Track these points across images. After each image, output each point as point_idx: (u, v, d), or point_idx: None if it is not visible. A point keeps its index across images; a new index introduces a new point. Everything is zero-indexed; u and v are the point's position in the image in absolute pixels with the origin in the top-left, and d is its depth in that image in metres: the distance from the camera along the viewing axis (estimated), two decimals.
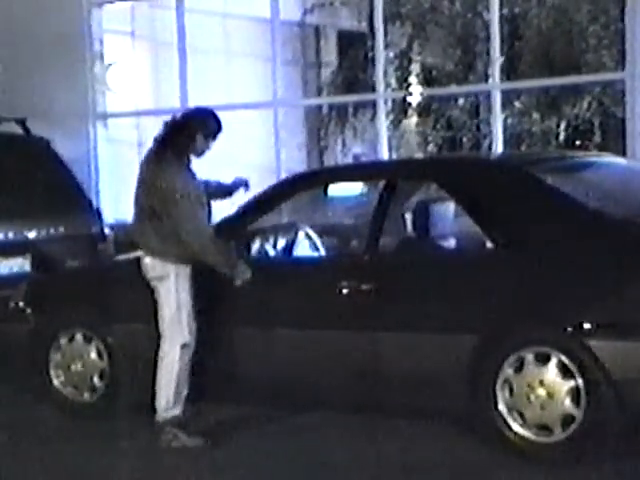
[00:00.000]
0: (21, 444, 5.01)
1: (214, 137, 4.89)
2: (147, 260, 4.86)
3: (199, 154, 4.91)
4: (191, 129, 4.82)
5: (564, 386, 4.24)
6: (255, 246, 5.41)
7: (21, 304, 5.80)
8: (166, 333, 4.79)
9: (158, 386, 4.81)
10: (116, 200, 9.35)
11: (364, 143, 12.41)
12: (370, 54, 10.21)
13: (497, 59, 8.29)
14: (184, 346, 4.78)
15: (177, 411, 4.79)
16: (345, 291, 4.77)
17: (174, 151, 4.80)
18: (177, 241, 4.75)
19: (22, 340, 5.68)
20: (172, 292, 4.78)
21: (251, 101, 10.29)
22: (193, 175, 4.87)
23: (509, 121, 10.69)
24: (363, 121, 12.25)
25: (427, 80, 11.48)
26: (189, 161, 4.88)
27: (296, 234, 5.55)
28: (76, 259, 6.80)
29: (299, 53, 12.80)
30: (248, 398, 5.24)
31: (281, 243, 5.51)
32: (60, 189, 7.08)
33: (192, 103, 9.48)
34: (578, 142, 11.20)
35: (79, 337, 5.42)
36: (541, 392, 4.28)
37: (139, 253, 5.57)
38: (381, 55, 8.84)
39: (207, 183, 5.03)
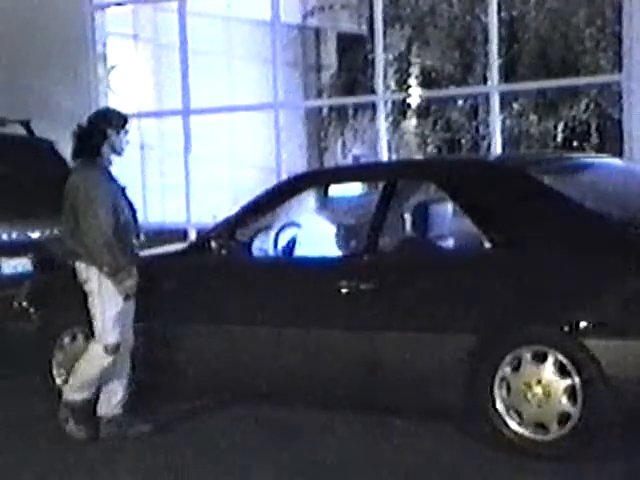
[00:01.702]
0: (22, 443, 5.05)
1: (125, 131, 5.00)
2: (76, 264, 4.96)
3: (119, 151, 5.01)
4: (100, 128, 4.94)
5: (561, 384, 4.29)
6: (256, 246, 5.46)
7: (24, 304, 5.84)
8: (95, 333, 4.91)
9: (72, 370, 5.00)
10: None
11: (364, 144, 12.43)
12: (370, 56, 10.22)
13: (495, 61, 8.34)
14: (108, 347, 4.86)
15: (79, 397, 4.96)
16: (345, 291, 4.82)
17: (88, 155, 4.94)
18: None
19: (25, 339, 5.72)
20: (96, 295, 4.88)
21: (252, 103, 10.32)
22: (110, 177, 4.95)
23: (507, 123, 10.71)
24: (363, 122, 12.26)
25: (426, 82, 11.47)
26: (109, 163, 4.97)
27: (296, 234, 5.59)
28: None
29: (300, 55, 12.82)
30: (248, 397, 5.28)
31: (281, 243, 5.55)
32: (63, 190, 7.11)
33: (194, 105, 9.54)
34: (575, 143, 11.22)
35: (81, 337, 5.45)
36: (538, 390, 4.33)
37: (140, 253, 5.62)
38: (380, 57, 8.87)
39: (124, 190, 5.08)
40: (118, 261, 4.81)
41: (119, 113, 5.11)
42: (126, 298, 4.87)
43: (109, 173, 4.96)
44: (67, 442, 4.97)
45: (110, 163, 5.01)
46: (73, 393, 5.00)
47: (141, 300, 5.23)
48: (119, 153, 5.03)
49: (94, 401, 5.08)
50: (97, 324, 4.90)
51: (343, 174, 6.06)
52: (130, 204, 5.04)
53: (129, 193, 5.08)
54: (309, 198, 5.47)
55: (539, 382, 4.33)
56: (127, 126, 5.02)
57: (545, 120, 11.19)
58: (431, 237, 5.10)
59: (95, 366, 4.93)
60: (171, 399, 5.46)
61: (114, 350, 4.88)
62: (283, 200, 5.36)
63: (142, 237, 5.11)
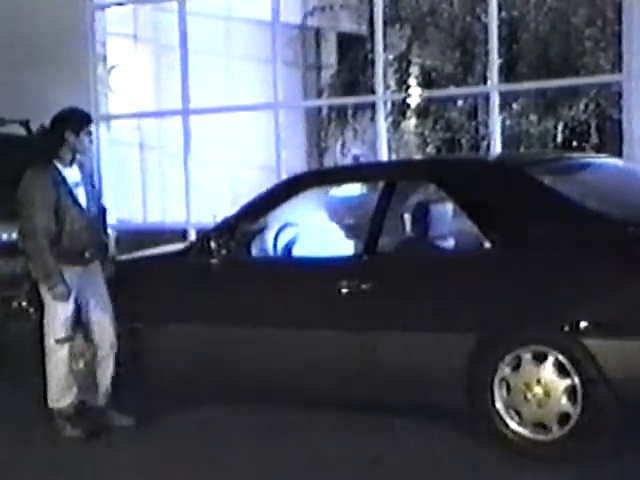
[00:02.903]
0: (21, 443, 5.06)
1: (87, 132, 4.99)
2: (28, 261, 5.05)
3: (81, 152, 5.01)
4: (59, 130, 4.95)
5: (561, 384, 4.29)
6: (256, 246, 5.47)
7: (24, 304, 5.84)
8: (45, 329, 4.99)
9: (47, 378, 5.05)
10: (118, 201, 9.40)
11: (364, 144, 12.44)
12: (370, 56, 10.24)
13: (495, 61, 8.35)
14: (60, 341, 4.94)
15: (63, 404, 5.02)
16: (345, 291, 4.82)
17: (40, 156, 4.99)
18: None
19: (25, 339, 5.73)
20: (45, 295, 4.95)
21: (252, 103, 10.33)
22: (62, 181, 4.94)
23: (507, 122, 10.72)
24: (363, 122, 12.27)
25: (426, 82, 11.49)
26: (69, 163, 4.97)
27: (296, 234, 5.60)
28: None
29: (299, 55, 12.85)
30: (249, 397, 5.28)
31: (281, 243, 5.55)
32: None
33: (194, 105, 9.54)
34: (575, 143, 11.24)
35: (80, 336, 5.46)
36: (538, 390, 4.33)
37: (140, 253, 5.63)
38: (380, 57, 8.88)
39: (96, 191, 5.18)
40: (48, 267, 4.86)
41: (81, 115, 5.11)
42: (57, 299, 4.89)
43: (60, 175, 4.95)
44: (66, 442, 4.99)
45: (72, 162, 5.00)
46: (57, 402, 5.05)
47: (140, 300, 5.25)
48: (82, 154, 5.04)
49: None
50: (46, 321, 4.99)
51: (343, 174, 6.06)
52: (99, 205, 5.11)
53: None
54: (309, 198, 5.47)
55: (539, 382, 4.34)
56: (90, 127, 5.02)
57: (545, 120, 11.21)
58: (431, 237, 5.10)
59: (57, 363, 4.98)
60: (169, 400, 5.46)
61: (66, 340, 4.96)
62: (283, 200, 5.36)
63: (109, 237, 5.15)
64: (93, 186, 5.18)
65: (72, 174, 5.01)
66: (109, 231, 5.19)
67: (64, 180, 4.94)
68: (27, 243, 4.93)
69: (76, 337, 5.06)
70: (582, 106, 11.03)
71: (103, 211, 5.14)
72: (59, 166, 4.96)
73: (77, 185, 5.01)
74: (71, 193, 4.95)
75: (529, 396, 4.36)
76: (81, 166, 5.09)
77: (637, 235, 4.41)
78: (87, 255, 5.00)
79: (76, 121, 4.99)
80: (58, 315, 4.96)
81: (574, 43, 10.86)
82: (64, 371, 5.01)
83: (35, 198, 4.87)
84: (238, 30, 11.82)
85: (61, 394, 5.04)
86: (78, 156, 5.01)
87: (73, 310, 4.98)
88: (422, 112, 11.69)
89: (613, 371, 4.20)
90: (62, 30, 9.51)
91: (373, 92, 9.23)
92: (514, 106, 11.05)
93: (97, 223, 5.10)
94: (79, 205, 4.97)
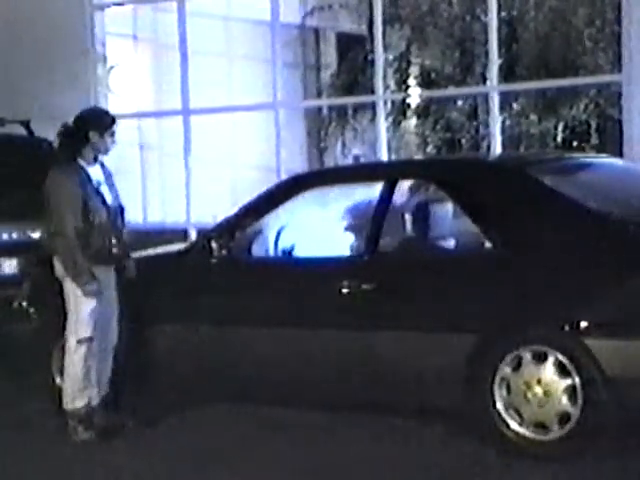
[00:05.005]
0: (22, 443, 5.06)
1: (111, 133, 5.00)
2: (54, 260, 5.04)
3: (104, 152, 5.03)
4: (83, 130, 4.97)
5: (561, 384, 4.30)
6: (256, 246, 5.47)
7: (24, 304, 5.85)
8: (68, 328, 4.99)
9: (63, 381, 5.06)
10: None
11: (364, 144, 12.44)
12: (369, 56, 10.25)
13: (495, 61, 8.36)
14: (81, 341, 4.93)
15: (79, 404, 5.00)
16: (345, 291, 4.83)
17: (64, 155, 4.99)
18: None
19: (25, 340, 5.74)
20: (70, 292, 4.95)
21: (252, 103, 10.34)
22: (87, 178, 4.95)
23: (507, 123, 10.72)
24: (363, 122, 12.27)
25: (426, 82, 11.49)
26: (92, 162, 4.99)
27: (296, 234, 5.60)
28: None
29: (299, 55, 12.83)
30: (251, 398, 5.29)
31: (281, 243, 5.55)
32: None
33: (194, 105, 9.55)
34: (575, 143, 11.23)
35: None
36: (538, 390, 4.34)
37: (140, 253, 5.64)
38: (380, 57, 8.89)
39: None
40: (79, 265, 4.88)
41: (105, 115, 5.14)
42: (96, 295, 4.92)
43: (86, 173, 4.97)
44: (67, 442, 4.98)
45: (96, 161, 5.03)
46: (73, 402, 5.03)
47: (141, 300, 5.25)
48: (104, 154, 5.05)
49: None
50: (71, 318, 4.98)
51: (343, 174, 6.07)
52: (119, 204, 5.10)
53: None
54: (309, 198, 5.48)
55: (539, 382, 4.35)
56: (113, 127, 5.02)
57: (545, 120, 11.20)
58: (431, 237, 5.10)
59: (76, 362, 4.98)
60: (169, 400, 5.47)
61: (86, 341, 4.95)
62: (283, 200, 5.37)
63: (125, 236, 5.16)
64: (113, 185, 5.15)
65: (95, 173, 5.03)
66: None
67: (89, 179, 4.97)
68: (58, 242, 4.93)
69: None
70: (582, 106, 11.02)
71: (122, 210, 5.16)
72: (83, 165, 4.99)
73: (100, 184, 5.03)
74: (98, 192, 4.97)
75: (529, 396, 4.36)
76: (102, 165, 5.11)
77: (637, 234, 4.42)
78: (115, 253, 5.02)
79: (100, 122, 5.01)
80: (84, 314, 4.93)
81: (574, 43, 10.85)
82: (82, 371, 4.98)
83: (63, 198, 4.88)
84: (238, 30, 11.80)
85: (76, 395, 5.01)
86: (100, 155, 5.04)
87: (97, 310, 4.97)
88: (422, 112, 11.69)
89: (613, 371, 4.20)
90: (62, 30, 9.52)
91: (373, 92, 9.23)
92: (514, 106, 11.04)
93: (119, 222, 5.10)
94: (106, 204, 5.00)
